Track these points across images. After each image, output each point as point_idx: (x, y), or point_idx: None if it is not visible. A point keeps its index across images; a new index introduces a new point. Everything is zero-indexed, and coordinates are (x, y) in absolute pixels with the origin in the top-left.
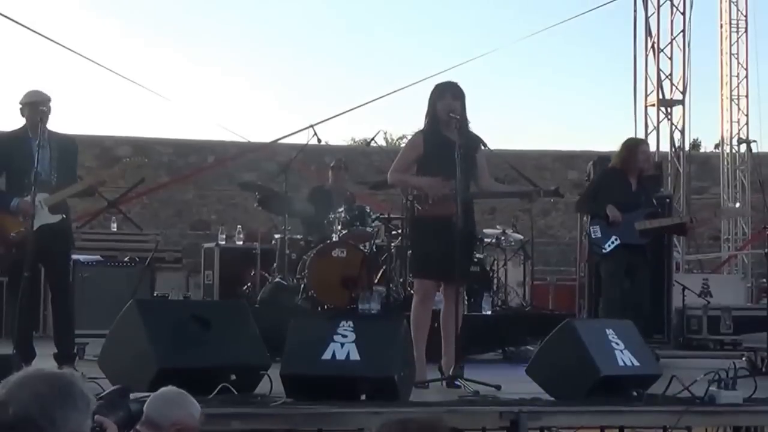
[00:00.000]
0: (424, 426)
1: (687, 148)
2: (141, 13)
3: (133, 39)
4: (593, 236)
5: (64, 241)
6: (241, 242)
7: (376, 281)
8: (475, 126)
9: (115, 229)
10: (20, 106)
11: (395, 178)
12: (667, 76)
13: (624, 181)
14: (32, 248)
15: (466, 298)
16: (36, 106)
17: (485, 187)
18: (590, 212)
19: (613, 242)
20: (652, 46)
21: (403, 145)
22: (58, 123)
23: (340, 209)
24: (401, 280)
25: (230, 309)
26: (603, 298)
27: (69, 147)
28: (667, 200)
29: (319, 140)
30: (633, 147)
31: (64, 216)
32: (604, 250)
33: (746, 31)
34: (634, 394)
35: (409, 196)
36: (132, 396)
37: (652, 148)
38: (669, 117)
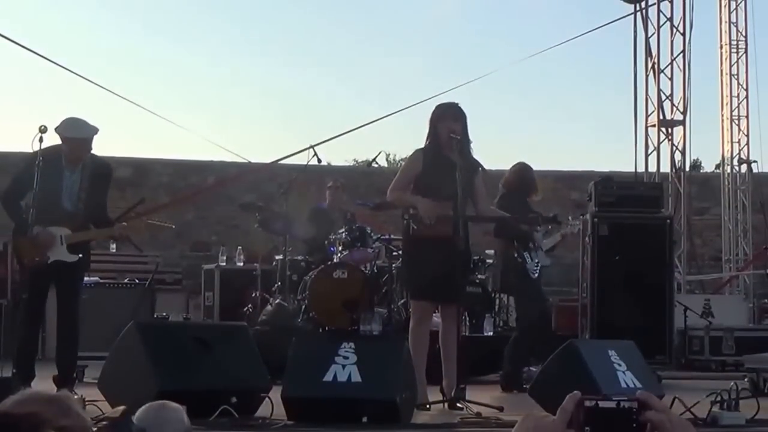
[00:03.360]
0: None
1: (687, 168)
2: (137, 35)
3: (128, 58)
4: (528, 262)
5: (74, 282)
6: (241, 263)
7: (377, 302)
8: (477, 146)
9: (114, 251)
10: (61, 134)
11: (394, 196)
12: (667, 97)
13: (525, 205)
14: (44, 276)
15: (468, 319)
16: (80, 143)
17: (482, 211)
18: (514, 237)
19: (537, 265)
20: (653, 67)
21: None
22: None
23: (341, 230)
24: (402, 301)
25: (231, 331)
26: (523, 320)
27: (102, 173)
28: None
29: (319, 161)
30: (527, 170)
31: (81, 256)
32: (534, 275)
33: (746, 52)
34: None
35: (405, 215)
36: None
37: (653, 168)
38: (669, 137)
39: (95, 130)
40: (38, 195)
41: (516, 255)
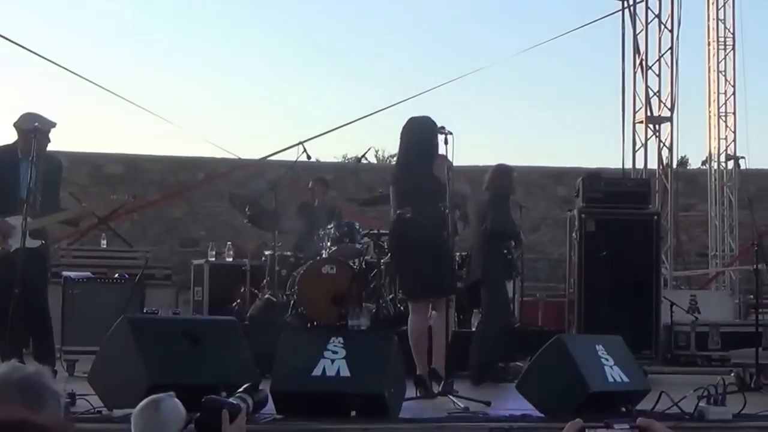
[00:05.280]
0: None
1: (675, 165)
2: (127, 32)
3: (120, 55)
4: (515, 257)
5: (41, 266)
6: (230, 259)
7: (365, 297)
8: (465, 142)
9: (105, 246)
10: (19, 127)
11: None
12: (655, 93)
13: (509, 204)
14: (21, 266)
15: (455, 314)
16: (37, 132)
17: None
18: (511, 234)
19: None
20: (640, 64)
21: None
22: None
23: (330, 225)
24: (390, 296)
25: (220, 326)
26: (496, 318)
27: (54, 167)
28: None
29: (308, 157)
30: (510, 171)
31: (43, 242)
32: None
33: (733, 49)
34: (624, 410)
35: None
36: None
37: (640, 165)
38: (657, 134)
39: (53, 124)
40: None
41: (506, 252)
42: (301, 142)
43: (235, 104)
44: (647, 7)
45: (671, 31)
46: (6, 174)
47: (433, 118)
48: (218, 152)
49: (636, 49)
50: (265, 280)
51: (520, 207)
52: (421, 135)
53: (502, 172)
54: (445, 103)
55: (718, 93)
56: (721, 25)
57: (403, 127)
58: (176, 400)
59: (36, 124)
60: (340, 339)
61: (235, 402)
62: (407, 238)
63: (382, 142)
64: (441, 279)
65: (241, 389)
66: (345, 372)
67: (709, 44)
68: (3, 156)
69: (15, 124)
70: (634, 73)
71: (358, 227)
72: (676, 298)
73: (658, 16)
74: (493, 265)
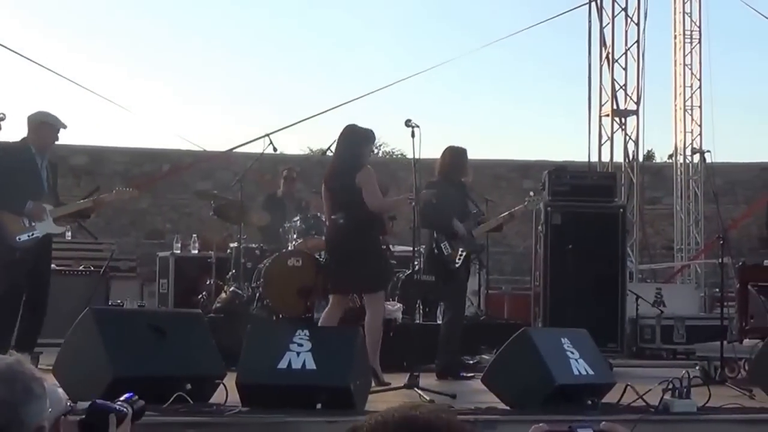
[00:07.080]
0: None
1: (641, 158)
2: (93, 23)
3: (85, 48)
4: (445, 252)
5: (50, 258)
6: (196, 251)
7: None
8: (432, 136)
9: (69, 238)
10: (35, 122)
11: (385, 204)
12: (621, 87)
13: (457, 191)
14: (21, 266)
15: (421, 307)
16: (54, 131)
17: None
18: (439, 228)
19: (461, 255)
20: (607, 57)
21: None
22: (14, 131)
23: (296, 218)
24: None
25: (186, 318)
26: (454, 312)
27: (54, 163)
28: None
29: (275, 149)
30: (462, 154)
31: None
32: (456, 265)
33: (700, 42)
34: (589, 402)
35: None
36: (84, 405)
37: (606, 158)
38: (623, 127)
39: (65, 125)
40: (22, 179)
41: (434, 246)
42: (267, 135)
43: (201, 96)
44: (614, 1)
45: (638, 24)
46: (24, 170)
47: (373, 130)
48: (184, 144)
49: (602, 43)
50: (230, 273)
51: (487, 200)
52: (355, 145)
53: (452, 154)
54: (411, 96)
55: (684, 86)
56: (688, 19)
57: (341, 133)
58: (59, 387)
59: (59, 128)
60: (306, 332)
61: (121, 408)
62: (334, 240)
63: None
64: (353, 277)
65: (122, 398)
66: (311, 365)
67: (675, 37)
68: (20, 153)
69: (36, 118)
70: (601, 67)
71: (324, 220)
72: (641, 291)
73: (625, 9)
74: (429, 264)
